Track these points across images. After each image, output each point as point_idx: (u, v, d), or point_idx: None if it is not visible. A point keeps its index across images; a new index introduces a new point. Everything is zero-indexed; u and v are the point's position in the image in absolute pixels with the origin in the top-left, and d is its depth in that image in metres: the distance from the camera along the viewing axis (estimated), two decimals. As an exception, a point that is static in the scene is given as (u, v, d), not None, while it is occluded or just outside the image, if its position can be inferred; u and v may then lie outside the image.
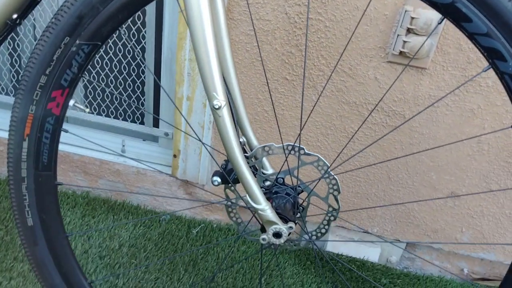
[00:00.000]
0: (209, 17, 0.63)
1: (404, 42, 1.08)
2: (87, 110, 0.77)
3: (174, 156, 1.38)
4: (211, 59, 0.63)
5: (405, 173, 1.26)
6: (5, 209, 1.38)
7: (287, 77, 1.21)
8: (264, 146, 0.79)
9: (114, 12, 0.69)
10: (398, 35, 1.09)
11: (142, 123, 1.50)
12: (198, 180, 1.40)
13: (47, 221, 0.79)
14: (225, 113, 0.65)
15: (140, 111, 1.49)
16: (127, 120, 1.48)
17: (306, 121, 1.23)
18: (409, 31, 1.08)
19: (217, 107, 0.65)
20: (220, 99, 0.64)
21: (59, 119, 0.76)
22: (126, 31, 1.39)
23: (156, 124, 1.47)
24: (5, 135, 1.48)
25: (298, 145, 0.76)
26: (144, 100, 1.47)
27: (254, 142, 0.83)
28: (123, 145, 1.47)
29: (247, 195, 0.72)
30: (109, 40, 1.39)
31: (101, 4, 0.68)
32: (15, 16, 0.77)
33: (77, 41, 0.70)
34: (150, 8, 1.33)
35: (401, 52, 1.10)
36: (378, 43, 1.12)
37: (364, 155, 1.27)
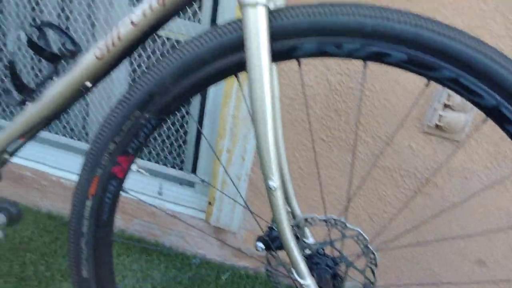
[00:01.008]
0: (271, 105, 0.69)
1: (440, 116, 1.13)
2: (147, 174, 0.83)
3: (209, 203, 1.43)
4: (270, 144, 0.69)
5: (434, 238, 1.30)
6: (45, 244, 1.44)
7: (324, 138, 1.27)
8: (307, 218, 0.84)
9: (182, 91, 0.76)
10: (435, 109, 1.14)
11: (181, 168, 1.56)
12: (230, 228, 1.45)
13: (101, 274, 0.85)
14: (278, 194, 0.71)
15: (180, 158, 1.56)
16: (166, 165, 1.55)
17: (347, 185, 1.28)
18: (445, 106, 1.13)
19: (272, 188, 0.70)
20: (275, 181, 0.70)
21: (121, 182, 0.82)
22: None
23: (194, 170, 1.54)
24: (51, 170, 1.57)
25: (344, 221, 0.81)
26: (185, 148, 1.54)
27: (297, 211, 0.88)
28: (161, 188, 1.53)
29: (291, 268, 0.77)
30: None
31: (172, 85, 0.75)
32: (88, 83, 0.85)
33: (146, 115, 0.77)
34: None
35: (437, 125, 1.15)
36: (415, 115, 1.17)
37: (395, 218, 1.31)
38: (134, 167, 0.83)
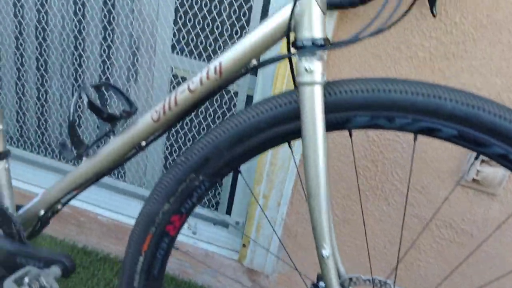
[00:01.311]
0: (325, 176, 0.72)
1: (478, 171, 1.15)
2: (196, 231, 0.86)
3: (244, 245, 1.46)
4: (323, 214, 0.72)
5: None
6: (82, 281, 1.48)
7: (361, 188, 1.29)
8: (352, 277, 0.86)
9: (236, 156, 0.79)
10: (472, 164, 1.16)
11: (216, 209, 1.60)
12: (264, 270, 1.47)
13: (150, 326, 0.88)
14: (330, 262, 0.73)
15: (216, 200, 1.59)
16: (202, 205, 1.59)
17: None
18: (483, 161, 1.15)
19: (325, 257, 0.73)
20: (327, 250, 0.73)
21: (173, 239, 0.86)
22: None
23: (228, 212, 1.57)
24: (89, 207, 1.61)
25: (390, 283, 0.83)
26: (221, 190, 1.57)
27: (342, 269, 0.90)
28: (195, 227, 1.57)
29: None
30: (195, 132, 1.53)
31: (227, 151, 0.78)
32: (143, 143, 0.89)
33: (201, 178, 0.81)
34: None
35: (474, 179, 1.16)
36: (451, 167, 1.19)
37: (429, 266, 1.31)
38: (186, 225, 0.87)
